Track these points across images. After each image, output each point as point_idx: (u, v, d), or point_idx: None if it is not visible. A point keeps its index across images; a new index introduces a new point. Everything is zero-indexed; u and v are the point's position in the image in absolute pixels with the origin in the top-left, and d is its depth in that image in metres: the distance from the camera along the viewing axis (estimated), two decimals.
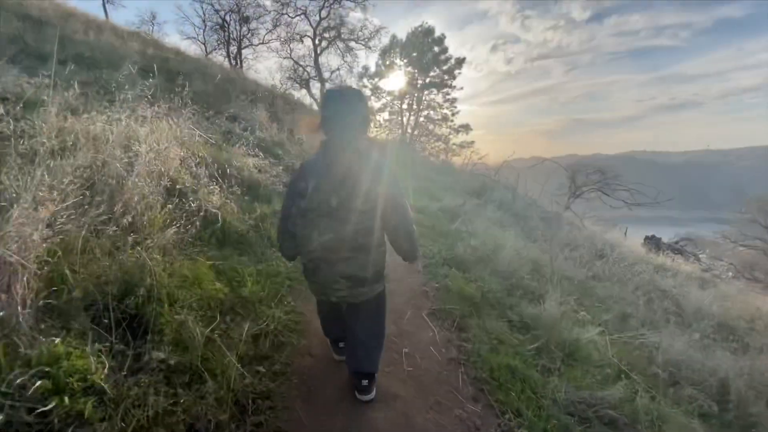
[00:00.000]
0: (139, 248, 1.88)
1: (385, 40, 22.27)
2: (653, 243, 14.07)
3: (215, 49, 17.34)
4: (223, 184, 3.26)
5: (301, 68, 18.30)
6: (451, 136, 25.55)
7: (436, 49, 23.76)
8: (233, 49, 17.50)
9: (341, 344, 1.97)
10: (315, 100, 18.06)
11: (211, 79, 8.30)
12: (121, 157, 2.40)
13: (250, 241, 2.90)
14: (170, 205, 2.41)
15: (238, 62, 17.25)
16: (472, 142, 24.80)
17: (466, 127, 25.09)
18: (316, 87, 18.46)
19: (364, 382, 1.81)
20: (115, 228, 1.88)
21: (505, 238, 4.30)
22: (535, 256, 4.18)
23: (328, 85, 18.14)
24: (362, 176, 1.55)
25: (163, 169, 2.75)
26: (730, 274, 11.76)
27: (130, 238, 1.84)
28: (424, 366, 2.12)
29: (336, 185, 1.54)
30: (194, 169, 3.16)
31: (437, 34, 23.68)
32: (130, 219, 1.98)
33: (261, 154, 4.71)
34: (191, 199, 2.78)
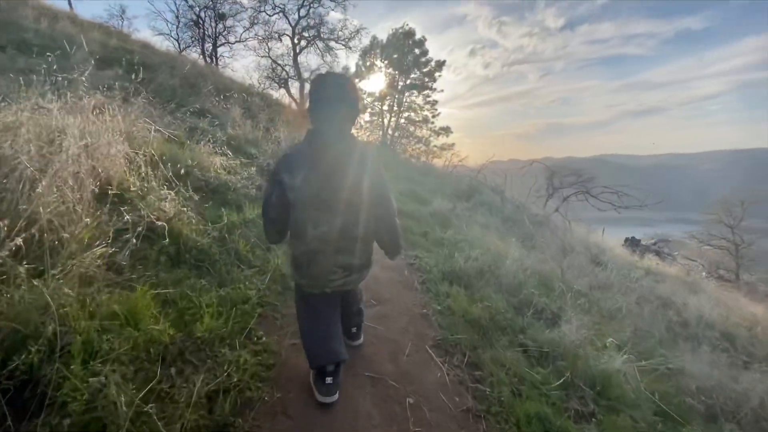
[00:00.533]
0: (44, 278, 1.35)
1: (366, 41, 22.02)
2: (633, 244, 14.20)
3: (189, 46, 16.47)
4: (181, 188, 2.72)
5: (279, 67, 17.65)
6: (431, 138, 25.62)
7: (416, 51, 23.74)
8: (209, 46, 16.70)
9: (328, 380, 1.70)
10: (294, 100, 17.50)
11: (180, 74, 7.63)
12: (38, 153, 1.83)
13: (213, 257, 2.36)
14: (103, 216, 1.87)
15: (214, 60, 16.46)
16: (453, 145, 24.79)
17: (446, 130, 25.12)
18: (295, 87, 17.87)
19: (353, 329, 2.12)
20: (6, 253, 1.33)
21: (504, 246, 3.91)
22: (539, 266, 3.81)
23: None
24: (351, 168, 1.54)
25: (100, 170, 2.19)
26: (704, 274, 11.96)
27: (23, 268, 1.29)
28: (434, 421, 1.65)
29: (326, 177, 1.51)
30: (144, 170, 2.59)
31: (418, 36, 23.66)
32: (30, 236, 1.42)
33: (231, 153, 4.15)
34: (137, 207, 2.23)
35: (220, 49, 16.90)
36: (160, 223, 2.13)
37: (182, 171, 2.96)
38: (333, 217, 1.55)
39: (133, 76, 3.88)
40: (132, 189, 2.37)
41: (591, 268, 5.38)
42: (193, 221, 2.45)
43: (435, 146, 25.12)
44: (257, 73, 17.46)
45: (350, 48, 17.37)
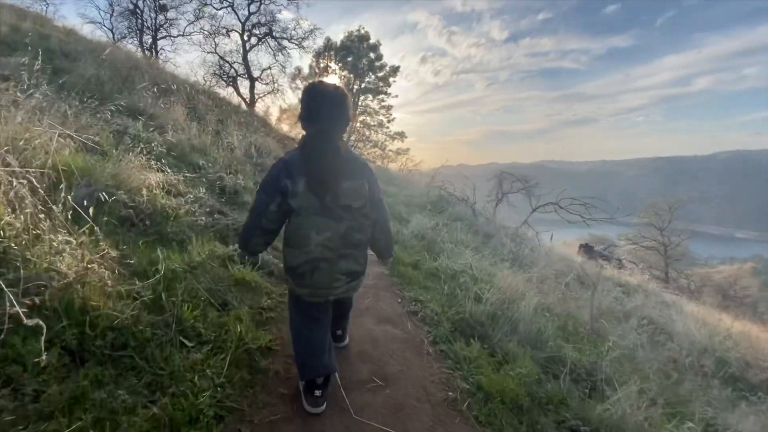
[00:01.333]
0: None
1: (320, 42, 21.34)
2: (587, 251, 14.67)
3: (125, 37, 14.66)
4: (95, 225, 1.85)
5: (227, 64, 16.28)
6: (387, 143, 25.66)
7: (371, 55, 23.70)
8: (148, 39, 15.01)
9: (317, 392, 1.67)
10: (243, 99, 16.25)
11: (110, 66, 6.39)
12: None
13: (141, 338, 1.55)
14: None
15: (154, 53, 14.80)
16: (408, 149, 25.20)
17: (401, 134, 25.45)
18: (244, 85, 16.59)
19: (339, 332, 2.15)
20: None
21: (504, 277, 3.40)
22: (546, 299, 3.34)
23: (259, 83, 16.47)
24: (349, 174, 1.57)
25: None
26: (647, 276, 12.59)
27: None
28: None
29: (327, 183, 1.53)
30: (32, 200, 1.70)
31: (372, 40, 23.50)
32: None
33: (172, 166, 3.26)
34: (14, 267, 1.38)
35: (161, 42, 15.26)
36: (47, 296, 1.29)
37: (99, 195, 2.09)
38: (336, 223, 1.56)
39: (37, 63, 2.90)
40: (9, 236, 1.50)
41: (579, 290, 5.10)
42: (109, 282, 1.61)
43: (390, 150, 25.20)
44: (203, 69, 16.01)
45: (303, 48, 16.50)
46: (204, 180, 3.61)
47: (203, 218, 2.75)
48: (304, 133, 1.63)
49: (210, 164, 4.15)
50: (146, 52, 14.59)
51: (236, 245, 2.57)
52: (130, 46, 14.15)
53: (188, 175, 3.40)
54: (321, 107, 1.57)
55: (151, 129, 4.38)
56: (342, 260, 1.61)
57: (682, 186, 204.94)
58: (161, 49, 15.32)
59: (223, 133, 6.26)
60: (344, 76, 23.38)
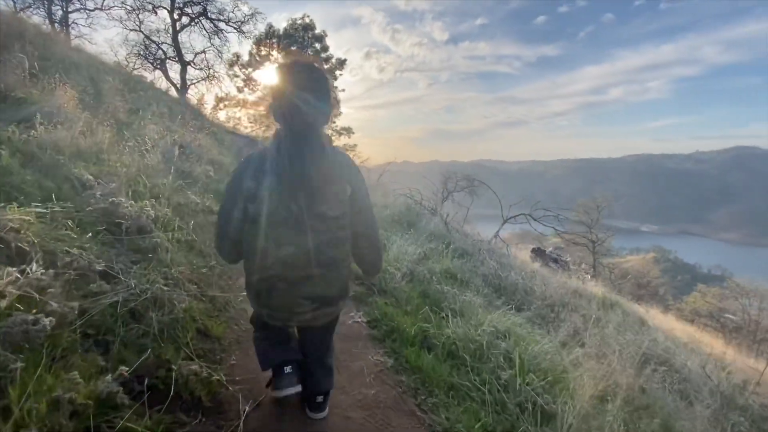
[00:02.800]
0: None
1: (261, 28, 19.54)
2: (538, 255, 14.73)
3: (30, 6, 11.92)
4: None
5: (154, 45, 13.94)
6: (333, 138, 24.45)
7: (317, 45, 22.41)
8: (58, 10, 12.51)
9: (287, 369, 1.47)
10: (174, 85, 14.06)
11: None
12: None
13: None
14: None
15: (65, 27, 12.37)
16: (355, 146, 24.04)
17: (348, 130, 24.43)
18: (175, 69, 14.35)
19: (319, 399, 1.59)
20: None
21: (552, 349, 2.48)
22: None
23: (192, 68, 14.42)
24: (329, 174, 1.33)
25: None
26: (588, 276, 12.91)
27: None
28: None
29: (297, 186, 1.28)
30: None
31: (318, 30, 22.19)
32: None
33: (18, 191, 1.86)
34: None
35: (74, 15, 12.78)
36: None
37: None
38: (303, 235, 1.30)
39: None
40: None
41: (566, 315, 4.39)
42: None
43: (337, 147, 24.21)
44: (125, 49, 13.61)
45: (243, 33, 14.71)
46: (94, 206, 2.22)
47: (75, 306, 1.43)
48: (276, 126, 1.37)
49: (102, 179, 2.71)
50: (56, 25, 12.10)
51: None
52: (37, 17, 11.63)
53: (52, 207, 1.99)
54: (297, 91, 1.29)
55: (19, 121, 2.82)
56: (307, 282, 1.35)
57: (599, 185, 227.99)
58: (73, 23, 12.82)
59: (134, 127, 4.66)
60: (311, 63, 22.12)
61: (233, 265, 1.65)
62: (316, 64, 1.41)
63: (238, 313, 2.27)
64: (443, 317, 2.70)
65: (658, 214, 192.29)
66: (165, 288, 1.87)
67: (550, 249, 17.56)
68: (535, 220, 7.62)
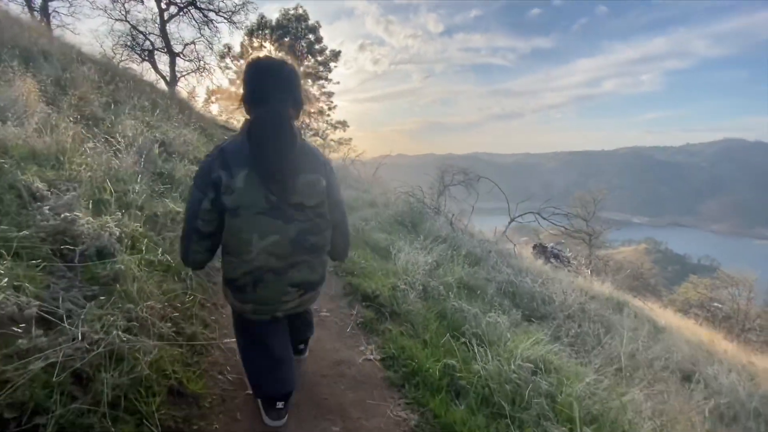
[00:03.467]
0: None
1: (253, 18, 18.99)
2: (541, 252, 14.42)
3: None
4: None
5: (141, 36, 13.29)
6: (328, 132, 24.10)
7: (311, 37, 21.90)
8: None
9: (279, 404, 1.48)
10: (163, 76, 13.49)
11: None
12: None
13: None
14: None
15: (45, 17, 11.66)
16: (350, 139, 23.61)
17: (343, 123, 23.92)
18: (164, 61, 13.74)
19: (301, 346, 1.86)
20: None
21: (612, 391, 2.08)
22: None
23: (181, 60, 13.92)
24: (303, 167, 1.36)
25: None
26: (589, 272, 12.66)
27: None
28: None
29: (273, 176, 1.29)
30: None
31: (311, 21, 21.60)
32: None
33: None
34: None
35: (55, 4, 12.08)
36: None
37: None
38: (285, 223, 1.34)
39: None
40: None
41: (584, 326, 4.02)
42: None
43: (332, 140, 23.76)
44: (110, 39, 12.96)
45: (234, 23, 14.13)
46: (24, 233, 1.76)
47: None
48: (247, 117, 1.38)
49: (59, 187, 2.24)
50: (35, 14, 11.40)
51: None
52: (14, 5, 10.88)
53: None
54: (267, 86, 1.35)
55: None
56: (293, 269, 1.38)
57: (593, 178, 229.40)
58: (54, 11, 12.10)
59: (107, 123, 4.16)
60: (281, 58, 21.38)
61: (198, 269, 1.68)
62: (287, 60, 1.42)
63: (225, 354, 1.85)
64: (467, 346, 2.30)
65: (650, 206, 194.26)
66: (125, 336, 1.43)
67: (551, 245, 17.27)
68: (544, 218, 7.24)
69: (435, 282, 3.23)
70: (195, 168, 4.40)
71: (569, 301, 4.28)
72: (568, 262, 14.37)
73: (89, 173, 2.62)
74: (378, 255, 3.99)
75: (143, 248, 2.06)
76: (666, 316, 9.76)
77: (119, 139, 3.56)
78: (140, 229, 2.20)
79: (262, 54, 1.60)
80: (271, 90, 1.34)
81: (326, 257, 1.53)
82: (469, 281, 4.11)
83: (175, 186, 3.44)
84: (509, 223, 7.68)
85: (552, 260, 12.97)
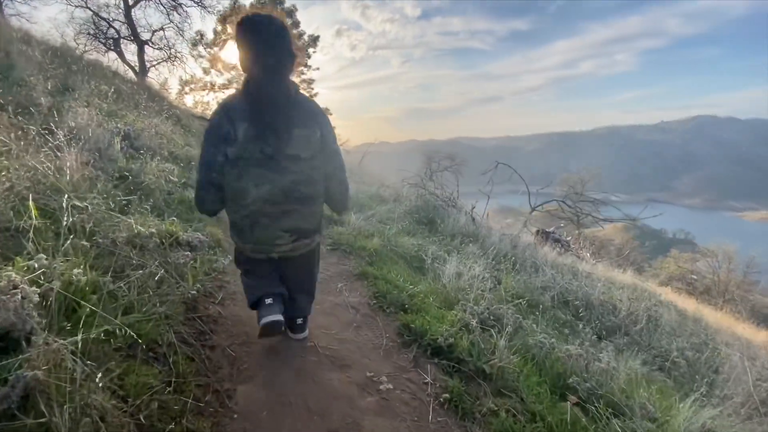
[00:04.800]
0: None
1: (226, 2, 17.62)
2: (544, 236, 13.86)
3: None
4: None
5: (105, 23, 11.91)
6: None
7: (288, 21, 20.30)
8: None
9: (268, 300, 1.58)
10: (131, 66, 12.20)
11: None
12: None
13: None
14: None
15: None
16: (334, 128, 22.72)
17: (325, 111, 22.85)
18: (131, 51, 12.41)
19: (300, 321, 1.80)
20: None
21: None
22: None
23: (152, 47, 12.66)
24: (297, 120, 1.44)
25: None
26: (588, 254, 12.23)
27: None
28: None
29: (269, 130, 1.40)
30: None
31: (287, 4, 20.18)
32: None
33: None
34: None
35: None
36: None
37: None
38: (279, 175, 1.44)
39: None
40: None
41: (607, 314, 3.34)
42: None
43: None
44: (72, 28, 11.41)
45: (205, 8, 12.85)
46: None
47: None
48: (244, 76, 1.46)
49: None
50: None
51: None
52: None
53: None
54: (259, 43, 1.39)
55: None
56: (285, 216, 1.49)
57: (572, 157, 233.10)
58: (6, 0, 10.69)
59: (52, 112, 3.15)
60: (268, 14, 20.25)
61: (212, 217, 1.77)
62: (274, 15, 1.45)
63: None
64: (596, 419, 1.53)
65: (627, 184, 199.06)
66: None
67: (552, 229, 16.78)
68: (569, 206, 6.54)
69: (504, 306, 2.43)
70: (172, 166, 3.46)
71: (632, 308, 3.57)
72: (569, 246, 13.88)
73: (7, 184, 1.69)
74: (414, 268, 3.18)
75: (91, 312, 1.19)
76: (675, 299, 9.37)
77: (64, 132, 2.59)
78: (84, 278, 1.32)
79: (249, 12, 1.44)
80: (263, 47, 1.39)
81: (320, 208, 1.59)
82: (524, 293, 3.36)
83: (144, 194, 2.53)
84: (530, 212, 7.00)
85: (554, 245, 12.45)
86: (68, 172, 2.08)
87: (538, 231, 14.25)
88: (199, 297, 1.82)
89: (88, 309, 1.26)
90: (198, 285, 1.85)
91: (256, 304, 1.60)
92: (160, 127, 4.88)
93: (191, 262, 1.99)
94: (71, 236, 1.52)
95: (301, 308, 1.77)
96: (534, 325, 2.34)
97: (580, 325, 3.23)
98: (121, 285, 1.51)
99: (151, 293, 1.60)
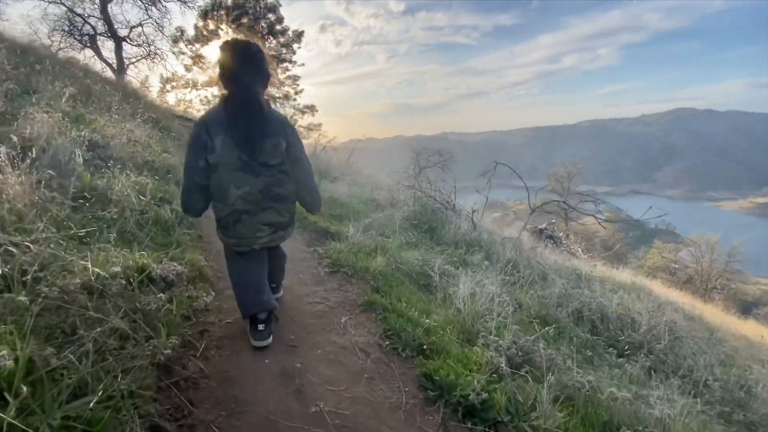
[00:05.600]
0: None
1: None
2: (537, 234, 13.73)
3: None
4: None
5: (80, 19, 11.33)
6: (296, 117, 22.36)
7: (271, 17, 19.83)
8: None
9: (261, 326, 1.75)
10: (108, 64, 11.64)
11: None
12: None
13: None
14: None
15: None
16: (320, 125, 21.97)
17: (311, 108, 22.00)
18: (108, 47, 11.76)
19: (274, 285, 2.13)
20: None
21: None
22: None
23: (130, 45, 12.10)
24: (267, 131, 1.66)
25: None
26: (579, 249, 12.17)
27: None
28: None
29: (243, 140, 1.62)
30: None
31: (270, 0, 19.63)
32: None
33: None
34: None
35: None
36: None
37: None
38: (254, 178, 1.65)
39: None
40: None
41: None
42: None
43: (301, 126, 22.12)
44: (45, 25, 10.92)
45: (185, 3, 12.25)
46: None
47: None
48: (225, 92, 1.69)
49: None
50: None
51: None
52: None
53: None
54: (237, 65, 1.64)
55: None
56: (263, 212, 1.71)
57: (557, 151, 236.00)
58: None
59: (7, 118, 2.73)
60: (248, 40, 19.53)
61: (198, 217, 1.87)
62: (253, 41, 1.81)
63: None
64: None
65: (611, 176, 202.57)
66: None
67: (544, 225, 16.66)
68: (571, 208, 6.34)
69: (531, 338, 2.13)
70: (147, 179, 3.06)
71: (652, 322, 3.33)
72: (561, 242, 13.79)
73: None
74: (421, 287, 2.87)
75: (20, 409, 0.85)
76: (672, 294, 9.32)
77: (15, 143, 2.20)
78: (11, 363, 0.97)
79: (231, 38, 1.56)
80: (241, 68, 1.65)
81: (292, 205, 1.83)
82: (540, 310, 3.09)
83: (110, 218, 2.14)
84: (530, 213, 6.76)
85: (547, 241, 12.35)
86: (9, 197, 1.70)
87: (532, 229, 14.12)
88: (174, 355, 1.47)
89: (14, 408, 0.91)
90: (174, 338, 1.50)
91: (248, 320, 1.77)
92: (135, 132, 4.43)
93: (166, 305, 1.63)
94: (2, 293, 1.16)
95: (275, 276, 2.13)
96: (569, 362, 2.04)
97: (602, 344, 2.97)
98: (71, 355, 1.16)
99: (111, 359, 1.25)
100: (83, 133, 3.24)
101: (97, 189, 2.44)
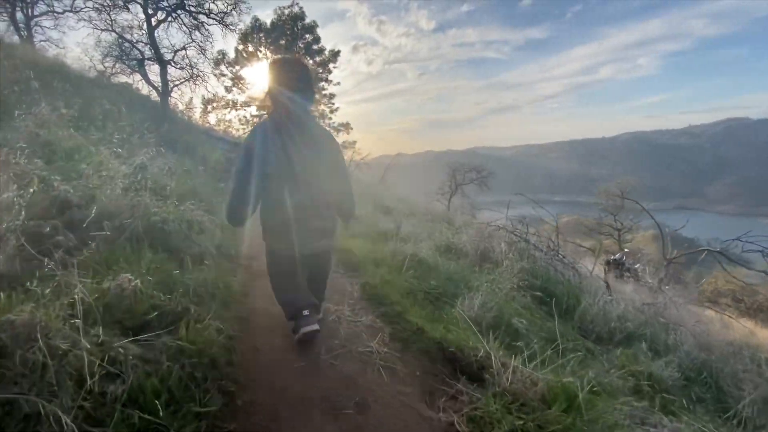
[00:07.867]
0: None
1: (247, 20, 17.04)
2: (617, 267, 11.65)
3: None
4: None
5: (129, 45, 11.61)
6: (333, 133, 21.74)
7: (308, 37, 19.92)
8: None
9: (305, 312, 1.84)
10: (154, 87, 11.81)
11: None
12: None
13: None
14: None
15: (26, 31, 11.11)
16: (354, 142, 22.10)
17: (346, 126, 22.22)
18: (154, 71, 11.82)
19: (306, 312, 1.97)
20: None
21: None
22: None
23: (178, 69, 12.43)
24: (315, 145, 1.80)
25: None
26: (663, 282, 10.06)
27: None
28: None
29: (298, 151, 1.73)
30: None
31: (308, 20, 19.63)
32: None
33: None
34: None
35: (38, 18, 11.31)
36: None
37: None
38: (307, 187, 1.78)
39: None
40: None
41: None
42: None
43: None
44: (98, 52, 11.42)
45: (227, 25, 12.02)
46: None
47: None
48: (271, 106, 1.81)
49: None
50: (20, 31, 10.83)
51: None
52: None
53: None
54: (281, 84, 1.73)
55: None
56: (312, 219, 1.83)
57: (594, 165, 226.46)
58: (36, 25, 11.29)
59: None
60: (296, 57, 19.52)
61: (241, 227, 1.88)
62: (302, 59, 2.01)
63: None
64: None
65: (655, 191, 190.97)
66: None
67: (619, 255, 14.47)
68: (727, 257, 4.70)
69: None
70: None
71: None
72: (637, 274, 11.66)
73: None
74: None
75: None
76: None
77: None
78: None
79: (280, 55, 1.92)
80: (288, 83, 1.73)
81: (334, 212, 1.98)
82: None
83: None
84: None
85: (625, 275, 10.53)
86: None
87: (608, 261, 12.01)
88: None
89: None
90: None
91: (293, 317, 1.85)
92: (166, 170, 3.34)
93: None
94: None
95: (320, 293, 2.18)
96: None
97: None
98: None
99: None
100: (70, 191, 2.12)
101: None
